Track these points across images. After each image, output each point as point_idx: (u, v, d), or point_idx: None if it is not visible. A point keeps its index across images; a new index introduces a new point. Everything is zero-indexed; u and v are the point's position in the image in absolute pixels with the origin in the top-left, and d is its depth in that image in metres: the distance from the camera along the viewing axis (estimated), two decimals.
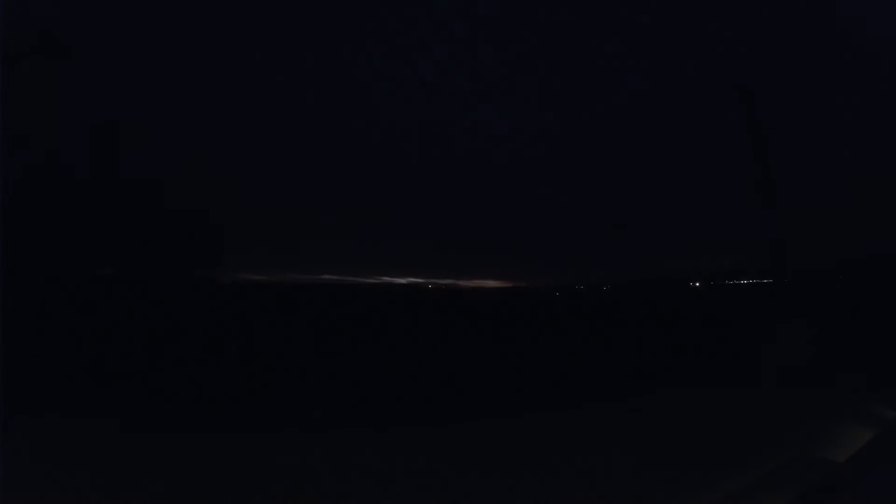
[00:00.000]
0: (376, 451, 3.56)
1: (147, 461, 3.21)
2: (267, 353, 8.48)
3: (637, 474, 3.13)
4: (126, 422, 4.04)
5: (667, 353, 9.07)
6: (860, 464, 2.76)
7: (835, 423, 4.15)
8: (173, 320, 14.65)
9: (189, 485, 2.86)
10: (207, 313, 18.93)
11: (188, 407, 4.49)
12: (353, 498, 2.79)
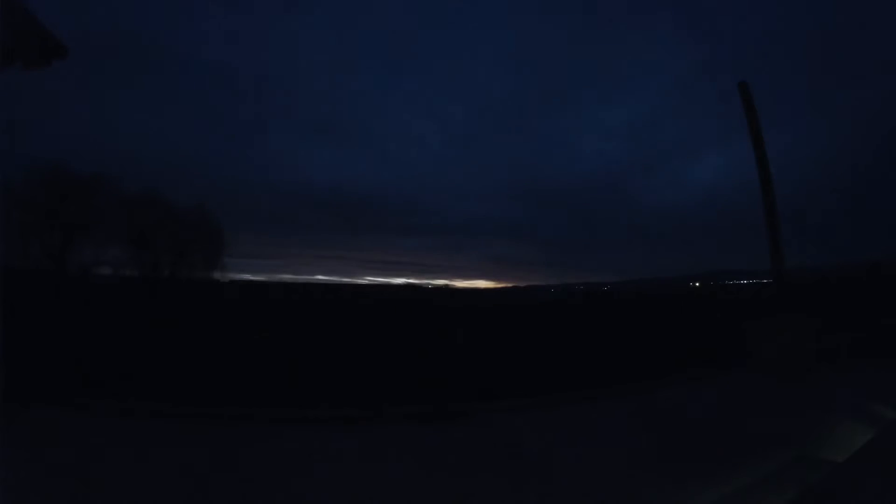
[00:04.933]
0: (391, 452, 3.53)
1: (141, 458, 3.19)
2: (265, 350, 8.48)
3: (630, 472, 3.11)
4: (120, 416, 4.04)
5: (657, 347, 9.10)
6: (860, 464, 2.76)
7: (834, 422, 4.14)
8: (175, 318, 14.66)
9: (180, 480, 2.85)
10: (206, 311, 18.91)
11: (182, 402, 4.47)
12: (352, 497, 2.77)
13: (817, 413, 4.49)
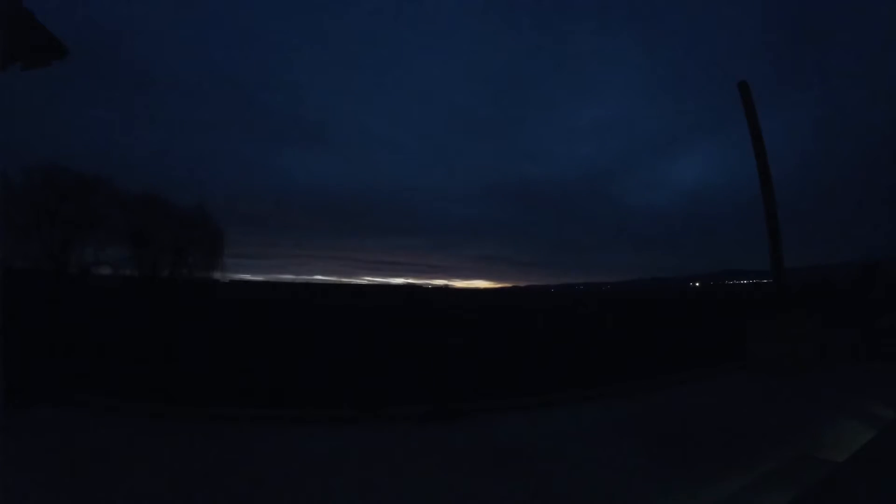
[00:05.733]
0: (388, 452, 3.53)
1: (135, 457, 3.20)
2: (264, 349, 8.48)
3: (628, 474, 3.11)
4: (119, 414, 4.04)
5: (650, 346, 9.10)
6: (860, 464, 2.75)
7: (834, 422, 4.14)
8: (174, 317, 14.65)
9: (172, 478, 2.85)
10: (206, 311, 18.91)
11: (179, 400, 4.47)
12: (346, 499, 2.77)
13: (817, 413, 4.48)
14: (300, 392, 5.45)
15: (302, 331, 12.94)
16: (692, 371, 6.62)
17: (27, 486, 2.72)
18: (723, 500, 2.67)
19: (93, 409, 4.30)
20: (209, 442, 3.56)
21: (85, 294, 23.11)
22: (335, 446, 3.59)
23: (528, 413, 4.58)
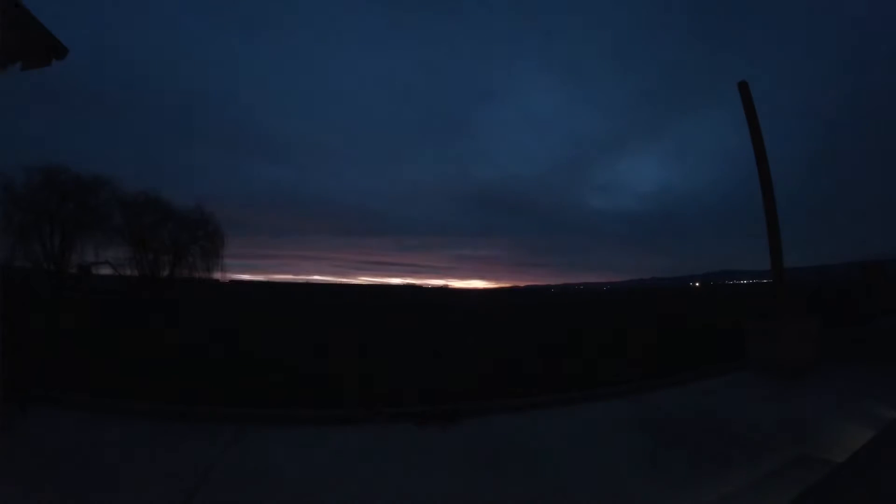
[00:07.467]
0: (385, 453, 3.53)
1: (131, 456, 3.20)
2: (265, 351, 8.48)
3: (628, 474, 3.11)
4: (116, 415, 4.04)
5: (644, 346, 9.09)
6: (860, 464, 2.75)
7: (833, 422, 4.14)
8: (173, 316, 14.66)
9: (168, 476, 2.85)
10: (205, 311, 18.91)
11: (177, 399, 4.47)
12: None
13: (816, 413, 4.49)
14: (299, 392, 5.44)
15: (303, 332, 12.92)
16: (691, 371, 6.62)
17: (27, 486, 2.72)
18: (722, 501, 2.67)
19: (90, 410, 4.29)
20: (209, 442, 3.56)
21: (84, 294, 23.11)
22: (335, 446, 3.60)
23: (528, 414, 4.58)
